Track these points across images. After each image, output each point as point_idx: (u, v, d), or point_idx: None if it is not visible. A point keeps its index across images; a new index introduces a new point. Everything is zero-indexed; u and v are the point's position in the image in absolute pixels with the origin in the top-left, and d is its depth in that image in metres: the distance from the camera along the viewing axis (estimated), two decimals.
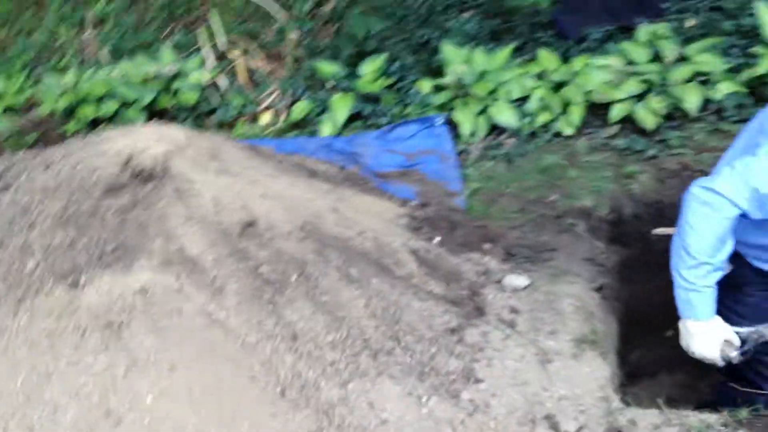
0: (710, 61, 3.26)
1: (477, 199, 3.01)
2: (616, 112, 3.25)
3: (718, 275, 2.00)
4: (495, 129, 3.43)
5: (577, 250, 2.66)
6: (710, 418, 1.97)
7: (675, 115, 3.22)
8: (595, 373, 2.18)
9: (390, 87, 3.69)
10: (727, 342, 2.05)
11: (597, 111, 3.37)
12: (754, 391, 2.18)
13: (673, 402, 2.19)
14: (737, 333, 2.07)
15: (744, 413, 1.96)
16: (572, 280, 2.51)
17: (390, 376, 2.08)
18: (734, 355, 2.05)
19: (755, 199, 1.86)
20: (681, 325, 2.13)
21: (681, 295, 2.05)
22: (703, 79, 3.25)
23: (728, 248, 1.96)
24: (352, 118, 3.63)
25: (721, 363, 2.08)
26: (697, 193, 1.93)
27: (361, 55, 3.84)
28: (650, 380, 3.08)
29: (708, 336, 2.03)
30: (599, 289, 2.55)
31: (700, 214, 1.92)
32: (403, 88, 3.68)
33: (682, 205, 1.97)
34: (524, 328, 2.33)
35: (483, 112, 3.44)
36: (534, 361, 2.22)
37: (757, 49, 3.23)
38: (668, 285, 2.90)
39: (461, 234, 2.71)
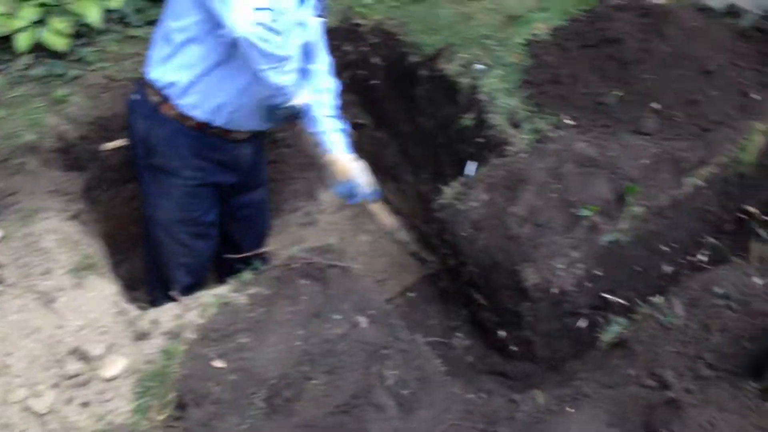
0: None
1: None
2: (22, 42, 3.27)
3: None
4: None
5: (38, 186, 2.75)
6: (221, 290, 2.37)
7: (83, 32, 3.43)
8: (103, 293, 2.39)
9: None
10: None
11: (1, 44, 3.39)
12: (245, 255, 2.79)
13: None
14: None
15: (247, 275, 2.44)
16: (45, 216, 2.60)
17: None
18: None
19: None
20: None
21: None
22: None
23: None
24: None
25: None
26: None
27: None
28: None
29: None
30: (75, 217, 2.75)
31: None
32: None
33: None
34: (15, 279, 2.36)
35: None
36: (38, 306, 2.32)
37: None
38: (135, 195, 3.28)
39: None
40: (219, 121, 2.70)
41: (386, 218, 3.12)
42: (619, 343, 2.26)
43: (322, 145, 2.86)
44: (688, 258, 3.04)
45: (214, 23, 2.41)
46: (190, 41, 2.55)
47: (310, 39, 2.76)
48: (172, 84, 2.64)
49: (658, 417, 1.90)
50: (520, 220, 2.64)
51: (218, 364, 2.18)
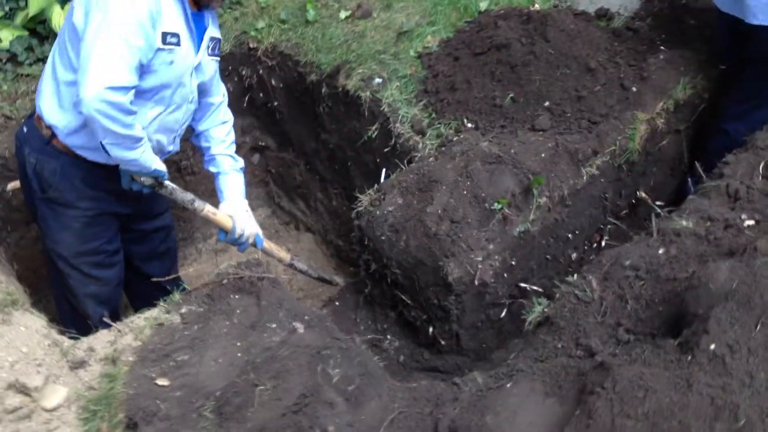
0: None
1: None
2: None
3: None
4: None
5: None
6: (153, 312, 2.39)
7: None
8: (32, 328, 2.36)
9: None
10: None
11: None
12: (163, 279, 2.83)
13: None
14: None
15: (176, 296, 2.47)
16: None
17: None
18: None
19: None
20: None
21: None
22: None
23: None
24: None
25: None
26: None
27: None
28: None
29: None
30: None
31: None
32: None
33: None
34: None
35: None
36: None
37: None
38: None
39: None
40: (110, 162, 2.71)
41: (280, 253, 3.24)
42: (544, 321, 2.42)
43: (217, 189, 3.06)
44: (593, 244, 3.29)
45: None
46: (75, 83, 2.53)
47: (205, 78, 2.86)
48: (57, 125, 2.65)
49: (590, 380, 2.06)
50: (437, 218, 2.79)
51: (162, 382, 2.20)
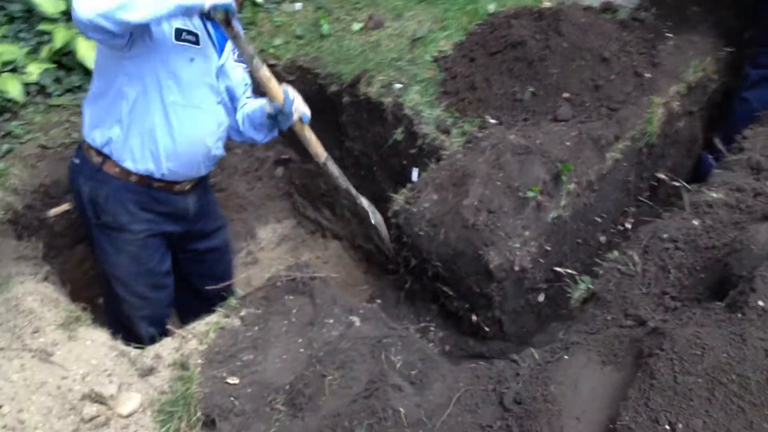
0: (9, 50, 3.63)
1: None
2: None
3: None
4: None
5: (3, 255, 2.79)
6: (213, 317, 2.49)
7: (6, 107, 3.48)
8: (98, 341, 2.44)
9: None
10: None
11: None
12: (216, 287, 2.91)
13: None
14: None
15: (233, 301, 2.57)
16: (20, 280, 2.64)
17: None
18: None
19: None
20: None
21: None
22: (12, 68, 3.58)
23: None
24: None
25: None
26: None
27: None
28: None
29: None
30: (46, 278, 2.78)
31: None
32: None
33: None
34: (8, 342, 2.36)
35: None
36: (37, 362, 2.33)
37: (44, 26, 3.76)
38: (85, 258, 3.30)
39: None
40: (159, 171, 2.81)
41: (318, 146, 3.12)
42: (591, 297, 2.52)
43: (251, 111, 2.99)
44: (618, 227, 3.39)
45: (132, 72, 2.59)
46: (117, 98, 2.66)
47: (232, 83, 2.94)
48: (109, 141, 2.75)
49: (646, 345, 2.15)
50: (474, 210, 2.88)
51: (232, 380, 2.28)
